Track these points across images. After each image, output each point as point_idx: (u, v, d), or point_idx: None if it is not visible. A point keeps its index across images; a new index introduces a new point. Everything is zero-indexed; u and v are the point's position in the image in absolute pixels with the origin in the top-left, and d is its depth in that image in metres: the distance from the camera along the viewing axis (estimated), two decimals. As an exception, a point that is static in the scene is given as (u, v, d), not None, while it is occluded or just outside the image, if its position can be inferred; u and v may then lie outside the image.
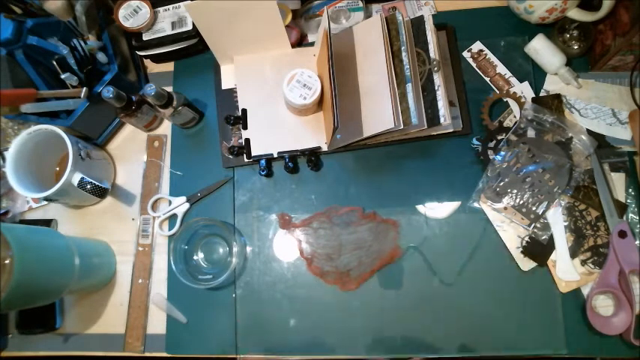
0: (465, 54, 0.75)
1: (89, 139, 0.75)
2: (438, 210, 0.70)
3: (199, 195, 0.74)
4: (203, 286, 0.67)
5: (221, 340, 0.69)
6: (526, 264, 0.66)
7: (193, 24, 0.74)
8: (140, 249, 0.74)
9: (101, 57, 0.72)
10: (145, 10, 0.75)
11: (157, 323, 0.71)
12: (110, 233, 0.75)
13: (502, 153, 0.69)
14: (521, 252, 0.66)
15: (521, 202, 0.67)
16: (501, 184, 0.68)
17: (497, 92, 0.72)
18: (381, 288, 0.68)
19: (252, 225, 0.72)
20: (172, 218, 0.74)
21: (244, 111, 0.74)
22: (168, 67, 0.82)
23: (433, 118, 0.65)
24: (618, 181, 0.67)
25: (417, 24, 0.70)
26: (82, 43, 0.69)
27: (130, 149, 0.79)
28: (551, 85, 0.72)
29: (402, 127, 0.63)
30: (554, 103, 0.70)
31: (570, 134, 0.68)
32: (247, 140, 0.73)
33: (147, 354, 0.70)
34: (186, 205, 0.74)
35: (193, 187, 0.75)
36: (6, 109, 0.68)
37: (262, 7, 0.67)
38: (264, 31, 0.71)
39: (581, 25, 0.71)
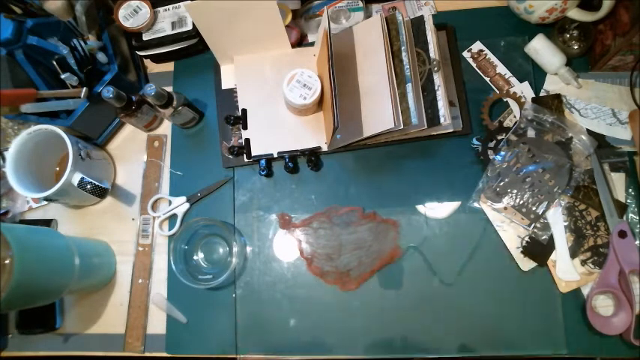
0: (465, 54, 0.75)
1: (89, 139, 0.75)
2: (438, 210, 0.70)
3: (199, 195, 0.74)
4: (203, 286, 0.67)
5: (221, 340, 0.69)
6: (526, 264, 0.66)
7: (193, 24, 0.74)
8: (140, 249, 0.74)
9: (101, 57, 0.72)
10: (145, 10, 0.75)
11: (157, 323, 0.71)
12: (110, 233, 0.75)
13: (502, 153, 0.69)
14: (521, 252, 0.66)
15: (521, 202, 0.67)
16: (501, 184, 0.68)
17: (497, 92, 0.72)
18: (381, 288, 0.68)
19: (252, 225, 0.72)
20: (172, 218, 0.74)
21: (244, 111, 0.74)
22: (169, 67, 0.82)
23: (433, 118, 0.65)
24: (618, 181, 0.67)
25: (417, 24, 0.70)
26: (82, 43, 0.69)
27: (130, 149, 0.79)
28: (551, 85, 0.72)
29: (402, 127, 0.63)
30: (554, 103, 0.70)
31: (570, 134, 0.68)
32: (247, 140, 0.73)
33: (147, 354, 0.70)
34: (186, 205, 0.74)
35: (193, 187, 0.75)
36: (6, 109, 0.68)
37: (262, 7, 0.67)
38: (264, 31, 0.71)
39: (581, 25, 0.71)
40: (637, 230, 0.65)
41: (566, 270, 0.64)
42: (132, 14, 0.75)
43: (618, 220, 0.64)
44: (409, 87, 0.65)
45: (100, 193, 0.68)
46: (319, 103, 0.71)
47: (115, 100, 0.67)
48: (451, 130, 0.70)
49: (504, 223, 0.67)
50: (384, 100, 0.64)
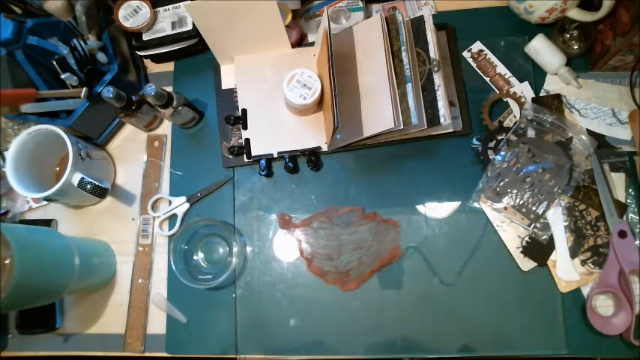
0: (465, 54, 0.75)
1: (89, 139, 0.75)
2: (438, 210, 0.70)
3: (199, 195, 0.74)
4: (203, 286, 0.67)
5: (221, 340, 0.69)
6: (526, 264, 0.66)
7: (193, 24, 0.74)
8: (140, 249, 0.74)
9: (101, 57, 0.72)
10: (145, 10, 0.75)
11: (157, 323, 0.71)
12: (110, 233, 0.75)
13: (502, 153, 0.69)
14: (521, 252, 0.66)
15: (521, 202, 0.67)
16: (501, 184, 0.68)
17: (497, 92, 0.72)
18: (381, 288, 0.68)
19: (252, 225, 0.72)
20: (172, 218, 0.74)
21: (244, 111, 0.74)
22: (169, 67, 0.82)
23: (433, 118, 0.65)
24: (618, 181, 0.67)
25: (417, 24, 0.70)
26: (82, 43, 0.69)
27: (130, 149, 0.79)
28: (551, 85, 0.72)
29: (402, 127, 0.63)
30: (554, 103, 0.70)
31: (570, 134, 0.68)
32: (247, 140, 0.73)
33: (147, 354, 0.70)
34: (186, 205, 0.74)
35: (193, 187, 0.75)
36: (6, 109, 0.68)
37: (262, 7, 0.67)
38: (264, 31, 0.71)
39: (581, 25, 0.71)
40: (637, 230, 0.65)
41: (566, 270, 0.64)
42: (132, 14, 0.75)
43: (618, 220, 0.64)
44: (409, 87, 0.65)
45: (100, 193, 0.68)
46: (319, 103, 0.71)
47: (115, 100, 0.67)
48: (451, 130, 0.70)
49: (504, 223, 0.67)
50: (384, 100, 0.64)
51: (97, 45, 0.72)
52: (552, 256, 0.65)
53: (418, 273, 0.67)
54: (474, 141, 0.71)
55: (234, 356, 0.68)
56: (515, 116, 0.71)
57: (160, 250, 0.74)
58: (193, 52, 0.79)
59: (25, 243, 0.56)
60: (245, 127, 0.74)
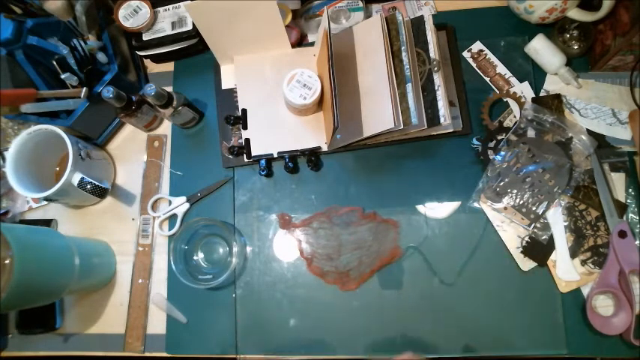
0: (465, 54, 0.75)
1: (89, 139, 0.75)
2: (438, 210, 0.70)
3: (199, 195, 0.74)
4: (203, 286, 0.67)
5: (221, 340, 0.69)
6: (526, 264, 0.66)
7: (193, 24, 0.74)
8: (140, 249, 0.74)
9: (101, 57, 0.72)
10: (145, 10, 0.75)
11: (157, 323, 0.71)
12: (110, 233, 0.75)
13: (502, 153, 0.69)
14: (521, 252, 0.66)
15: (521, 202, 0.67)
16: (501, 184, 0.68)
17: (497, 92, 0.72)
18: (381, 288, 0.68)
19: (252, 225, 0.72)
20: (172, 218, 0.74)
21: (244, 111, 0.74)
22: (169, 67, 0.82)
23: (433, 118, 0.65)
24: (618, 181, 0.67)
25: (417, 24, 0.70)
26: (82, 43, 0.69)
27: (130, 149, 0.79)
28: (551, 85, 0.72)
29: (402, 127, 0.63)
30: (554, 103, 0.70)
31: (570, 134, 0.68)
32: (247, 140, 0.73)
33: (147, 354, 0.70)
34: (186, 205, 0.74)
35: (193, 187, 0.75)
36: (6, 109, 0.68)
37: (262, 7, 0.67)
38: (264, 31, 0.71)
39: (581, 25, 0.71)
40: (637, 230, 0.65)
41: (566, 270, 0.64)
42: (132, 14, 0.75)
43: (618, 220, 0.64)
44: (409, 87, 0.65)
45: (100, 193, 0.68)
46: (319, 103, 0.71)
47: (115, 100, 0.67)
48: (451, 130, 0.70)
49: (504, 223, 0.67)
50: (384, 100, 0.64)
51: (97, 45, 0.72)
52: (552, 256, 0.65)
53: (418, 273, 0.67)
54: (474, 141, 0.71)
55: (234, 356, 0.68)
56: (515, 116, 0.71)
57: (160, 250, 0.74)
58: (193, 52, 0.79)
59: (25, 243, 0.56)
60: (245, 127, 0.74)
